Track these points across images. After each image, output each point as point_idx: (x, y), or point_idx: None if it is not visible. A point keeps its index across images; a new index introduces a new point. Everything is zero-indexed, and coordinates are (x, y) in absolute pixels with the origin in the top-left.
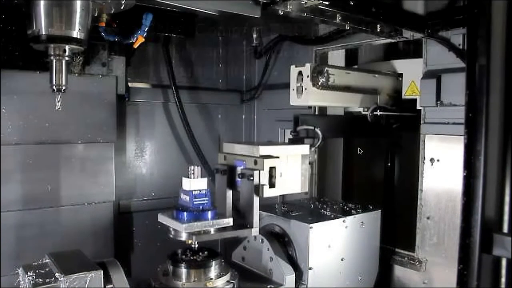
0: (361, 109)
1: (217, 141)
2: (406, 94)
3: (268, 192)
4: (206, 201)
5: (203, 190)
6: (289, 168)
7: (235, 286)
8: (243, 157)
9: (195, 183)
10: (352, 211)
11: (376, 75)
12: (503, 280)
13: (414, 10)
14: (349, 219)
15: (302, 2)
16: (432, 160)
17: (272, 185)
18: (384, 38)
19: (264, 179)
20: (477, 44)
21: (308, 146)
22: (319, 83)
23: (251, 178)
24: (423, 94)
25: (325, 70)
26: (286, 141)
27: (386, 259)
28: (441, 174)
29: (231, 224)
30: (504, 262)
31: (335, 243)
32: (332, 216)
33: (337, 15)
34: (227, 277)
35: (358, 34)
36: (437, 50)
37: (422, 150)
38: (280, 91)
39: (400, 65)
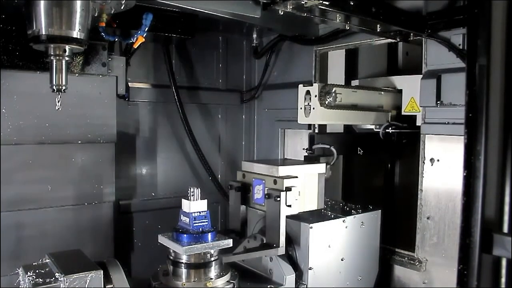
0: (370, 126)
1: (217, 141)
2: (406, 110)
3: (287, 211)
4: (206, 223)
5: (203, 212)
6: (306, 187)
7: (235, 286)
8: (262, 176)
9: (195, 205)
10: (352, 211)
11: (382, 92)
12: (503, 280)
13: (414, 10)
14: (349, 219)
15: (302, 2)
16: (432, 160)
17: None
18: (384, 38)
19: (291, 200)
20: (477, 44)
21: (324, 165)
22: (327, 102)
23: (278, 199)
24: (423, 94)
25: (333, 90)
26: (286, 142)
27: (386, 259)
28: (441, 174)
29: (231, 245)
30: (504, 262)
31: (335, 243)
32: (332, 216)
33: (337, 15)
34: (227, 277)
35: (358, 34)
36: (437, 50)
37: (422, 150)
38: (280, 91)
39: (399, 81)
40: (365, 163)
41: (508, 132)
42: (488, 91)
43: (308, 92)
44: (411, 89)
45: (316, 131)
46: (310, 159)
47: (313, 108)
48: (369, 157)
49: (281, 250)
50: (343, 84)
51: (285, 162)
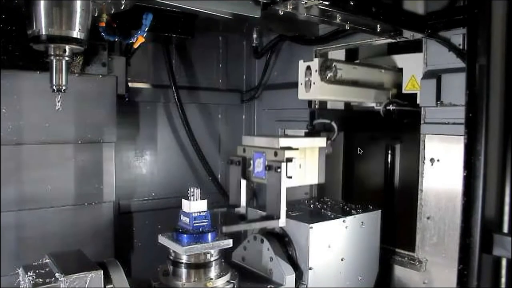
0: (371, 104)
1: (217, 141)
2: (406, 88)
3: (288, 183)
4: (206, 223)
5: (203, 212)
6: (307, 160)
7: (235, 286)
8: (263, 149)
9: (195, 205)
10: (352, 211)
11: (382, 70)
12: (503, 280)
13: (414, 10)
14: (349, 219)
15: (302, 2)
16: (432, 160)
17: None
18: (384, 38)
19: (292, 171)
20: (477, 44)
21: (325, 139)
22: (327, 77)
23: (279, 169)
24: (423, 94)
25: (333, 65)
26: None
27: (386, 259)
28: (441, 174)
29: (231, 245)
30: (504, 262)
31: (335, 243)
32: (332, 216)
33: (337, 15)
34: (227, 277)
35: (358, 34)
36: (437, 50)
37: (422, 150)
38: (280, 91)
39: (400, 59)
40: (365, 144)
41: (508, 132)
42: (488, 91)
43: (308, 67)
44: (412, 67)
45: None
46: (311, 134)
47: (314, 83)
48: (369, 136)
49: (282, 222)
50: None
51: (286, 136)
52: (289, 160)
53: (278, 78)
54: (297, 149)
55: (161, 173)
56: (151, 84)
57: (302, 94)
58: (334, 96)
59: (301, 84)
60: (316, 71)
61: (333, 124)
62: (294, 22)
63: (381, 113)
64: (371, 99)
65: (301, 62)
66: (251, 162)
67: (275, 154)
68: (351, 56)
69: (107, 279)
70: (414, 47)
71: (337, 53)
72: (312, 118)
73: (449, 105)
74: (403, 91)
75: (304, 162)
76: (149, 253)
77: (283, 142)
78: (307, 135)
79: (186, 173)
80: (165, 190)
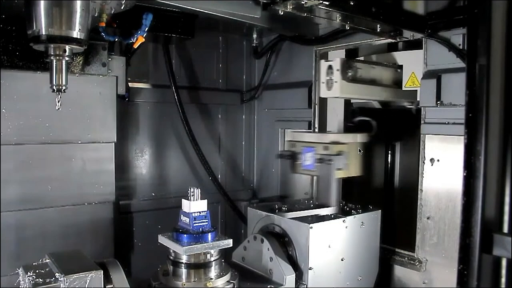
0: (404, 104)
1: (217, 141)
2: (406, 85)
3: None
4: (206, 223)
5: (203, 212)
6: (351, 154)
7: (235, 286)
8: (313, 144)
9: (195, 205)
10: (352, 211)
11: (399, 70)
12: (503, 280)
13: (414, 10)
14: (349, 219)
15: (302, 2)
16: (432, 160)
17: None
18: (384, 38)
19: (341, 163)
20: (477, 44)
21: (366, 135)
22: (348, 75)
23: (331, 162)
24: (423, 94)
25: (354, 64)
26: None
27: (386, 259)
28: (441, 174)
29: (231, 245)
30: (504, 262)
31: (335, 243)
32: (332, 216)
33: (337, 15)
34: (227, 277)
35: (358, 34)
36: (437, 50)
37: (422, 150)
38: (280, 91)
39: (400, 56)
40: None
41: (508, 132)
42: (488, 91)
43: (330, 67)
44: (412, 64)
45: (317, 130)
46: (351, 130)
47: (336, 82)
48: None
49: (334, 209)
50: None
51: (329, 132)
52: (339, 153)
53: (278, 78)
54: (345, 143)
55: (161, 173)
56: (151, 84)
57: (324, 92)
58: (355, 94)
59: (323, 82)
60: (337, 70)
61: (372, 121)
62: (294, 22)
63: (414, 111)
64: (390, 97)
65: (322, 62)
66: (299, 156)
67: (326, 148)
68: (351, 54)
69: (107, 279)
70: (413, 44)
71: (337, 53)
72: (353, 116)
73: (449, 105)
74: (403, 88)
75: (349, 156)
76: (149, 253)
77: (333, 137)
78: (347, 131)
79: (186, 173)
80: (165, 190)
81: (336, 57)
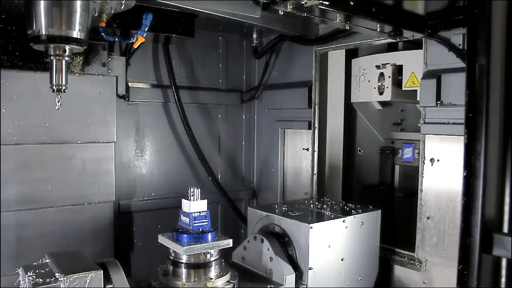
0: None
1: (217, 141)
2: (406, 85)
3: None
4: (206, 223)
5: (203, 212)
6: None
7: (235, 286)
8: (412, 141)
9: (195, 205)
10: (352, 211)
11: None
12: (503, 280)
13: (414, 10)
14: (349, 219)
15: (302, 2)
16: (432, 160)
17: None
18: (384, 38)
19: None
20: (477, 44)
21: None
22: (397, 82)
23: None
24: (423, 94)
25: (403, 71)
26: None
27: (386, 259)
28: (441, 174)
29: (231, 245)
30: (504, 262)
31: (335, 243)
32: (332, 216)
33: (337, 15)
34: (227, 277)
35: (358, 34)
36: (437, 50)
37: (422, 150)
38: (280, 91)
39: (400, 56)
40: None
41: (508, 132)
42: (488, 91)
43: (382, 74)
44: (412, 64)
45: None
46: None
47: (387, 87)
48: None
49: None
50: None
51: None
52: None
53: (278, 78)
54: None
55: (161, 173)
56: (151, 84)
57: (376, 96)
58: (403, 97)
59: (374, 88)
60: (389, 77)
61: None
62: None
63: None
64: None
65: (374, 69)
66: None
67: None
68: (351, 54)
69: (107, 279)
70: (413, 43)
71: (337, 53)
72: None
73: (449, 105)
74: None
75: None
76: (149, 253)
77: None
78: None
79: (186, 173)
80: (165, 190)
81: (336, 57)
